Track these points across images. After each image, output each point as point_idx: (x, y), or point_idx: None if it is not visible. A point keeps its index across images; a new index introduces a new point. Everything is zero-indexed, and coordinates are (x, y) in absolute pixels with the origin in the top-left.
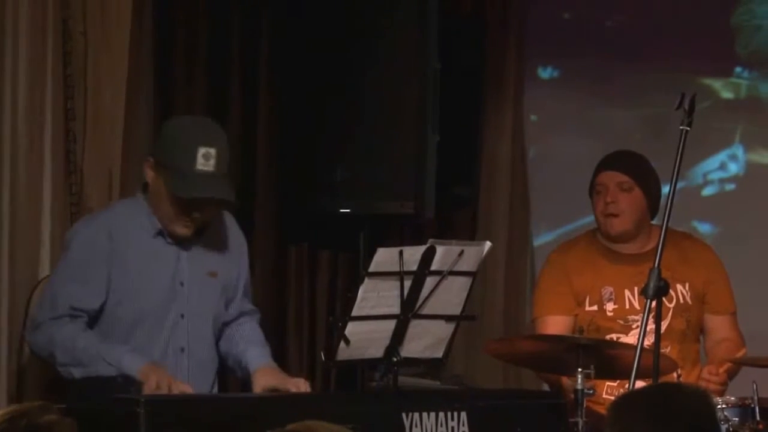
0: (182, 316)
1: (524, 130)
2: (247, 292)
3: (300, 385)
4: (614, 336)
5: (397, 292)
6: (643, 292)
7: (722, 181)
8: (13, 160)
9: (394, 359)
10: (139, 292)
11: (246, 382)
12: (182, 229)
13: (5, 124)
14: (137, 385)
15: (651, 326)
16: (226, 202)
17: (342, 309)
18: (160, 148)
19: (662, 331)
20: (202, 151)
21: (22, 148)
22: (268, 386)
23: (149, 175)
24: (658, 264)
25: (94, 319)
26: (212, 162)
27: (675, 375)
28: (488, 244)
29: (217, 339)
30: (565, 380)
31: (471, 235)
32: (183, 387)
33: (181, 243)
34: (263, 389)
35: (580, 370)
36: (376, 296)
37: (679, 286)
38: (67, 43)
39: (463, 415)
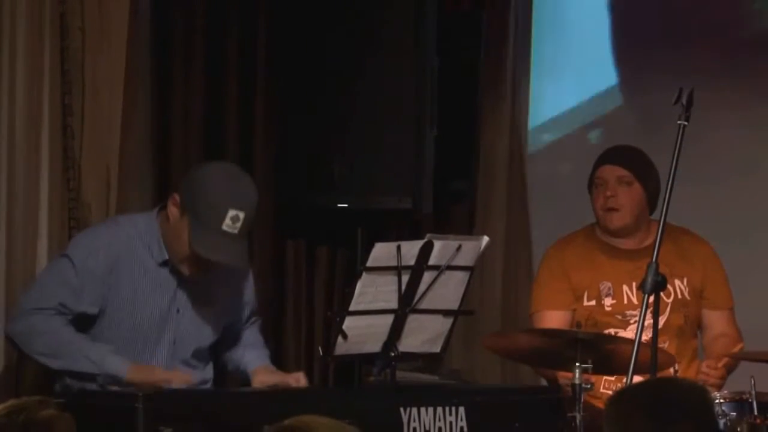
0: (174, 342)
1: (524, 124)
2: (252, 309)
3: (300, 380)
4: (612, 331)
5: (395, 287)
6: (641, 288)
7: None
8: (10, 156)
9: (392, 354)
10: (133, 314)
11: (246, 384)
12: (188, 271)
13: (2, 120)
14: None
15: (649, 321)
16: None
17: (340, 304)
18: (190, 193)
19: (660, 326)
20: (231, 213)
21: (20, 144)
22: (267, 384)
23: (172, 211)
24: (656, 259)
25: (82, 331)
26: (238, 225)
27: (672, 370)
28: (486, 238)
29: (217, 349)
30: (561, 376)
31: (469, 229)
32: (181, 377)
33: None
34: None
35: (578, 364)
36: (374, 291)
37: (677, 282)
38: (64, 38)
39: (461, 410)
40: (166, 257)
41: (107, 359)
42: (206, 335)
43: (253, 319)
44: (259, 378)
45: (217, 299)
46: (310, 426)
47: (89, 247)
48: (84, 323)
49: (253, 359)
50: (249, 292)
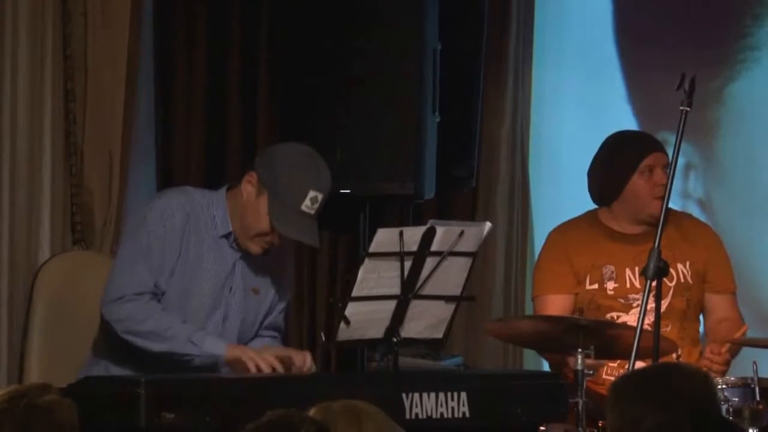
0: (224, 319)
1: (527, 110)
2: (279, 324)
3: (306, 359)
4: (615, 315)
5: (398, 273)
6: (643, 273)
7: None
8: (12, 142)
9: (394, 340)
10: (194, 283)
11: None
12: (256, 249)
13: (5, 105)
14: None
15: (651, 305)
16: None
17: (342, 290)
18: (271, 172)
19: (662, 310)
20: (311, 195)
21: (22, 130)
22: (275, 353)
23: (249, 189)
24: (658, 244)
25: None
26: (316, 206)
27: (674, 356)
28: (488, 224)
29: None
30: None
31: (471, 215)
32: (268, 357)
33: (242, 251)
34: (270, 354)
35: (580, 350)
36: (377, 277)
37: (679, 265)
38: (67, 24)
39: (463, 395)
40: (230, 230)
41: (206, 340)
42: (250, 320)
43: (275, 334)
44: (267, 350)
45: (263, 291)
46: (363, 410)
47: (165, 211)
48: None
49: (260, 343)
50: (286, 286)
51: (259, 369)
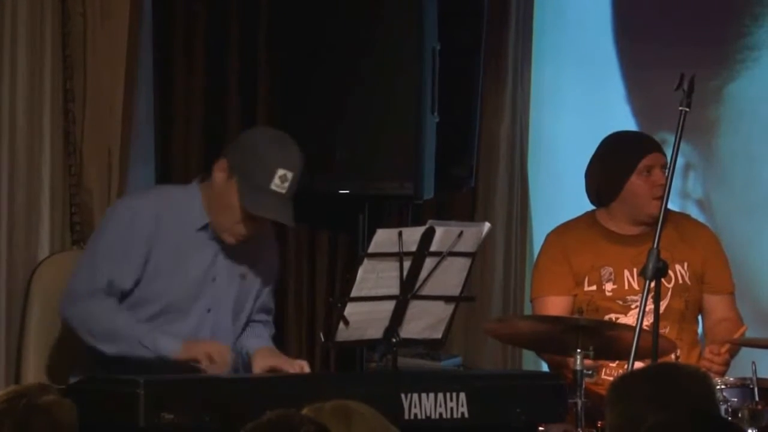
0: (209, 310)
1: (526, 110)
2: (268, 305)
3: (304, 367)
4: (613, 316)
5: (397, 273)
6: (642, 274)
7: None
8: (12, 141)
9: (394, 340)
10: (171, 280)
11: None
12: (230, 239)
13: (4, 105)
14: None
15: (650, 307)
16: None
17: (341, 290)
18: (239, 156)
19: (661, 311)
20: (280, 172)
21: (21, 129)
22: (267, 366)
23: (219, 176)
24: (657, 245)
25: (122, 299)
26: (287, 185)
27: (673, 356)
28: (487, 225)
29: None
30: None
31: (470, 215)
32: (221, 352)
33: (222, 240)
34: (262, 370)
35: (579, 351)
36: (376, 277)
37: (677, 266)
38: (66, 23)
39: (462, 395)
40: (206, 221)
41: (159, 342)
42: (238, 308)
43: (266, 318)
44: (260, 362)
45: (250, 276)
46: (354, 410)
47: (130, 209)
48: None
49: (256, 344)
50: (273, 271)
51: (212, 361)
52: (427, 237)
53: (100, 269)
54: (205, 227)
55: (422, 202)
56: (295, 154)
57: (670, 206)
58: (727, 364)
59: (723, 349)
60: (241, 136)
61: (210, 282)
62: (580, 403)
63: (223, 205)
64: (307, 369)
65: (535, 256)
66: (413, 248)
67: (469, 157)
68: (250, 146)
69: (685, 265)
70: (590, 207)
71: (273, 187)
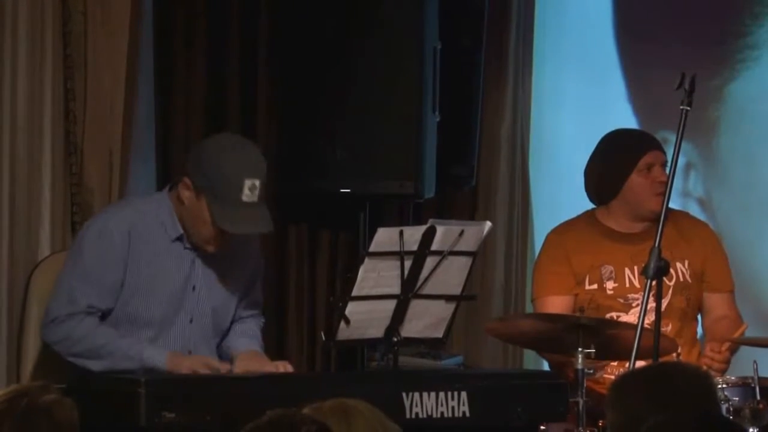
0: (191, 320)
1: (527, 109)
2: (256, 300)
3: (287, 366)
4: (614, 314)
5: (398, 272)
6: (644, 272)
7: None
8: (12, 141)
9: (395, 339)
10: (151, 293)
11: None
12: (212, 249)
13: (5, 104)
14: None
15: (651, 305)
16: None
17: (342, 289)
18: (201, 173)
19: (662, 310)
20: (248, 183)
21: (22, 129)
22: (247, 371)
23: (186, 195)
24: (659, 244)
25: (103, 315)
26: (257, 192)
27: (674, 355)
28: (488, 224)
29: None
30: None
31: (471, 215)
32: (211, 364)
33: (198, 249)
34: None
35: (580, 349)
36: (377, 276)
37: (678, 264)
38: (66, 23)
39: (464, 394)
40: (180, 232)
41: (145, 353)
42: (223, 314)
43: (254, 312)
44: (241, 366)
45: (231, 278)
46: (353, 408)
47: (102, 231)
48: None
49: (241, 345)
50: (256, 269)
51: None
52: (428, 236)
53: (78, 292)
54: (180, 238)
55: (423, 202)
56: (257, 157)
57: (670, 205)
58: (727, 362)
59: (724, 347)
60: (197, 151)
61: (190, 292)
62: (581, 402)
63: (198, 222)
64: (289, 368)
65: (536, 255)
66: (414, 247)
67: (470, 156)
68: (212, 163)
69: (686, 263)
70: (591, 206)
71: (244, 198)
